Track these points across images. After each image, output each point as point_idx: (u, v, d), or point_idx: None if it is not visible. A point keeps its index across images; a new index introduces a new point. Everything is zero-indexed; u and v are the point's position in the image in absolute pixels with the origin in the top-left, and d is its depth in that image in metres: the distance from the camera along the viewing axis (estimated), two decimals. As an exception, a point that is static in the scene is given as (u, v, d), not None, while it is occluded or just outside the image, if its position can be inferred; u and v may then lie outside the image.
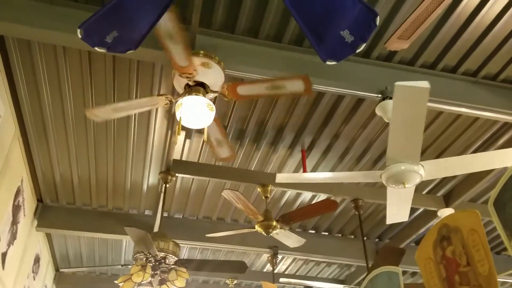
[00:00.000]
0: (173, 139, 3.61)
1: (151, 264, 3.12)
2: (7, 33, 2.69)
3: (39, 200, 4.65)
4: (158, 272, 3.18)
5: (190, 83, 2.49)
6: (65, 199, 4.66)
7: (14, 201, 3.80)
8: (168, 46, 2.21)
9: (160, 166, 4.12)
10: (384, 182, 2.62)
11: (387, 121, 2.84)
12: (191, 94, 2.49)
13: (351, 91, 2.88)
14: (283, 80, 2.52)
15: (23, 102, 3.41)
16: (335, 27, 1.63)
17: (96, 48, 1.82)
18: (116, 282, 3.11)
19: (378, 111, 2.85)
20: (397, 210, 3.09)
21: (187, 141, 3.87)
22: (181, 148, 3.94)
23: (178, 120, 2.48)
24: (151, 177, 4.33)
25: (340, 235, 5.23)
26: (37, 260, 4.97)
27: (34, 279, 4.97)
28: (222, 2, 2.65)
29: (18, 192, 3.86)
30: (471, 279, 1.31)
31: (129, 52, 1.88)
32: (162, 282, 3.13)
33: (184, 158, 4.05)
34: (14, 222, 3.89)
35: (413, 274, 5.71)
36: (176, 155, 3.99)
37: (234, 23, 2.79)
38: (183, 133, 3.76)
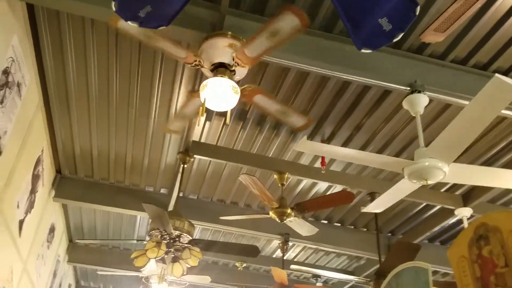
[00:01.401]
0: (194, 120, 3.59)
1: (166, 242, 3.15)
2: (37, 2, 2.69)
3: (58, 171, 4.71)
4: (172, 249, 3.21)
5: (230, 68, 2.47)
6: (83, 172, 4.72)
7: (34, 170, 3.86)
8: (262, 36, 2.22)
9: (179, 146, 4.13)
10: (405, 175, 2.57)
11: (413, 115, 2.79)
12: (217, 76, 2.47)
13: (379, 82, 2.82)
14: (292, 111, 2.80)
15: (48, 72, 3.43)
16: (374, 14, 1.59)
17: (129, 22, 1.80)
18: (131, 256, 3.15)
19: (405, 105, 2.79)
20: (387, 201, 3.06)
21: (207, 123, 3.86)
22: (201, 130, 3.94)
23: (202, 101, 2.45)
24: (169, 157, 4.34)
25: (352, 227, 5.21)
26: (52, 229, 5.07)
27: (48, 248, 5.08)
28: (253, -17, 2.61)
29: (38, 162, 3.92)
30: (508, 281, 1.28)
31: (160, 28, 1.86)
32: (175, 259, 3.16)
33: (203, 140, 4.05)
34: (33, 191, 3.96)
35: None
36: (195, 136, 3.99)
37: (263, 5, 2.74)
38: (203, 116, 3.75)
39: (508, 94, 1.99)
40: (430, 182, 2.50)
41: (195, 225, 4.96)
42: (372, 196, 4.08)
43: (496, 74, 2.00)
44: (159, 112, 3.78)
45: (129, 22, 1.81)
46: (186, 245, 3.20)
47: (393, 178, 4.15)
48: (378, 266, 3.72)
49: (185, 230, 3.21)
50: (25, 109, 3.26)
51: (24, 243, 4.00)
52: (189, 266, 3.14)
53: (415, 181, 2.57)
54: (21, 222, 3.78)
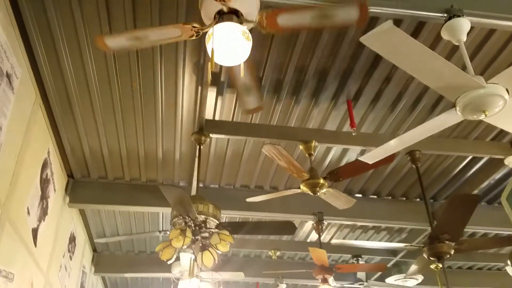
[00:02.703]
0: (205, 82, 3.24)
1: (192, 229, 2.82)
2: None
3: (70, 175, 4.44)
4: (199, 237, 2.88)
5: (224, 9, 2.11)
6: (96, 174, 4.44)
7: (42, 174, 3.57)
8: (309, 12, 2.04)
9: (192, 130, 3.80)
10: (461, 115, 2.20)
11: (456, 43, 2.41)
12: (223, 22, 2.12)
13: (410, 12, 2.44)
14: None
15: (41, 65, 3.13)
16: None
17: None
18: (156, 250, 2.84)
19: (445, 34, 2.42)
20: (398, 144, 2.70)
21: (219, 98, 3.52)
22: (213, 108, 3.61)
23: (210, 54, 2.11)
24: (183, 144, 4.03)
25: (390, 197, 4.81)
26: (72, 239, 4.81)
27: (71, 259, 4.82)
28: None
29: (45, 165, 3.64)
30: None
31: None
32: (203, 248, 2.83)
33: (217, 119, 3.72)
34: (44, 196, 3.68)
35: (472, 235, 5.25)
36: (208, 115, 3.67)
37: None
38: (213, 90, 3.43)
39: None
40: (489, 113, 2.11)
41: (224, 215, 4.68)
42: (412, 155, 3.68)
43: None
44: (165, 95, 3.47)
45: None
46: (213, 230, 2.86)
47: (432, 132, 3.74)
48: (429, 231, 3.34)
49: (211, 214, 2.87)
50: (20, 105, 2.97)
51: (41, 253, 3.72)
52: (220, 253, 2.80)
53: (473, 116, 2.19)
54: (34, 231, 3.50)
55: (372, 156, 2.79)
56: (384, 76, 3.25)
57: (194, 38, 2.30)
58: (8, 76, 2.74)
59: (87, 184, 4.50)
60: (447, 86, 2.14)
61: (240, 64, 2.24)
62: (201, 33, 2.28)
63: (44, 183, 3.67)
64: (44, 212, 3.71)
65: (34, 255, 3.52)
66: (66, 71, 3.19)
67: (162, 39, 2.32)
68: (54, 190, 3.99)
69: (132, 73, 3.24)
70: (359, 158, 2.91)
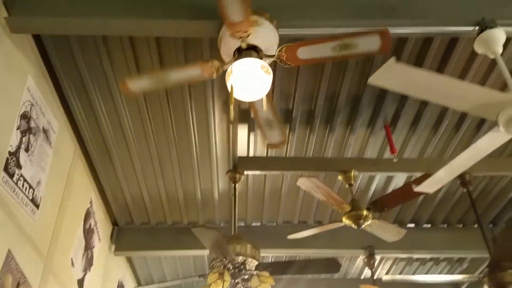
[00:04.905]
0: (231, 120, 3.21)
1: (231, 272, 2.71)
2: (42, 31, 2.49)
3: (114, 223, 4.50)
4: (239, 280, 2.76)
5: (243, 45, 2.09)
6: (139, 220, 4.46)
7: (85, 224, 3.63)
8: (330, 44, 2.02)
9: (228, 169, 3.76)
10: (501, 125, 1.99)
11: (491, 57, 2.23)
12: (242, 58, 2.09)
13: (441, 28, 2.30)
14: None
15: (78, 117, 3.24)
16: None
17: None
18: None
19: (477, 47, 2.25)
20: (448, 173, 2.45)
21: (251, 134, 3.48)
22: (246, 144, 3.56)
23: (230, 90, 2.07)
24: (221, 184, 3.98)
25: (445, 225, 4.46)
26: (120, 287, 4.81)
27: (121, 308, 4.80)
28: None
29: (88, 215, 3.70)
30: None
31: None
32: (244, 292, 2.70)
33: (251, 155, 3.67)
34: (88, 246, 3.72)
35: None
36: (241, 152, 3.62)
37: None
38: (244, 127, 3.39)
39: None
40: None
41: (266, 254, 4.53)
42: (462, 179, 3.40)
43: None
44: (198, 136, 3.47)
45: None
46: (254, 272, 2.74)
47: (482, 152, 3.47)
48: (488, 262, 3.01)
49: (249, 254, 2.75)
50: (59, 158, 3.06)
51: (89, 304, 3.73)
52: (262, 296, 2.66)
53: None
54: (80, 282, 3.52)
55: (425, 187, 2.59)
56: (421, 96, 3.07)
57: (214, 76, 2.28)
58: (45, 131, 2.84)
59: (131, 230, 4.53)
60: (480, 107, 1.96)
61: (262, 98, 2.18)
62: (221, 71, 2.26)
63: (88, 233, 3.72)
64: (89, 262, 3.74)
65: (81, 307, 3.52)
66: (102, 121, 3.27)
67: (183, 78, 2.31)
68: (99, 239, 4.03)
69: (164, 116, 3.28)
70: (415, 189, 2.71)
